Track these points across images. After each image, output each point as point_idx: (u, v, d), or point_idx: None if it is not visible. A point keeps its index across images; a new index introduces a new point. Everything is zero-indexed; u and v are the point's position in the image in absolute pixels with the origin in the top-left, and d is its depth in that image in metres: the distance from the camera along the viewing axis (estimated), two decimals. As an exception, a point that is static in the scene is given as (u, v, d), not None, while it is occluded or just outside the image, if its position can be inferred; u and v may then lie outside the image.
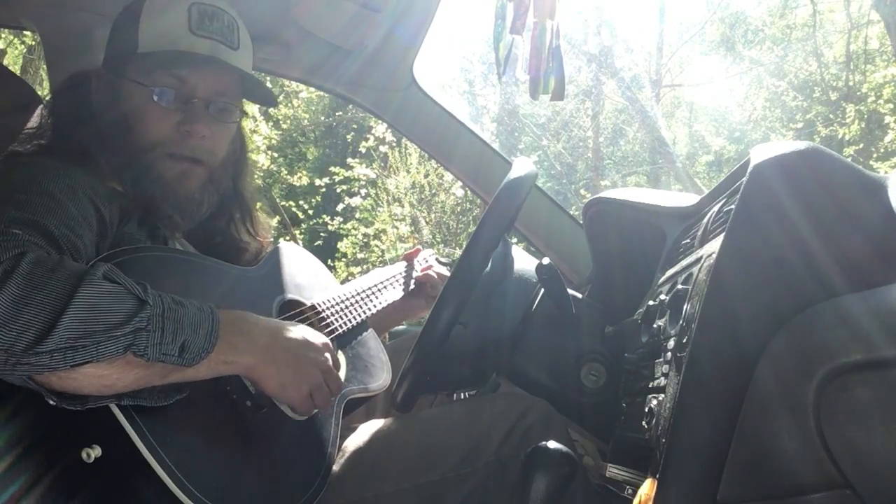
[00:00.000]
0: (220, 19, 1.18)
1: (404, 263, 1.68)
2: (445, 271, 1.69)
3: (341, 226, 9.20)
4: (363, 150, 8.74)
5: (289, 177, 11.28)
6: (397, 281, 1.62)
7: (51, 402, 0.86)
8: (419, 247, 1.75)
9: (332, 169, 9.05)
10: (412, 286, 1.64)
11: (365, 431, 1.25)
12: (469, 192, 7.84)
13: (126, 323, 0.84)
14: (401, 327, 2.06)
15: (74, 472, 0.90)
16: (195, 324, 0.91)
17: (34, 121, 1.28)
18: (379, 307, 1.50)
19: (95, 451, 0.88)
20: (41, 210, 0.94)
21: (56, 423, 0.91)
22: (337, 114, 11.66)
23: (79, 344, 0.81)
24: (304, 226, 10.74)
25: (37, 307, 0.80)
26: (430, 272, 1.65)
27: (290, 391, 1.04)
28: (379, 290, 1.53)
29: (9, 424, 0.90)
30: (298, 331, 1.08)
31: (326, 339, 1.12)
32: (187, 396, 0.96)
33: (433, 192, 8.50)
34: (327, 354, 1.10)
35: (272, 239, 1.42)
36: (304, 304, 1.30)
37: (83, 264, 0.90)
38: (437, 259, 1.74)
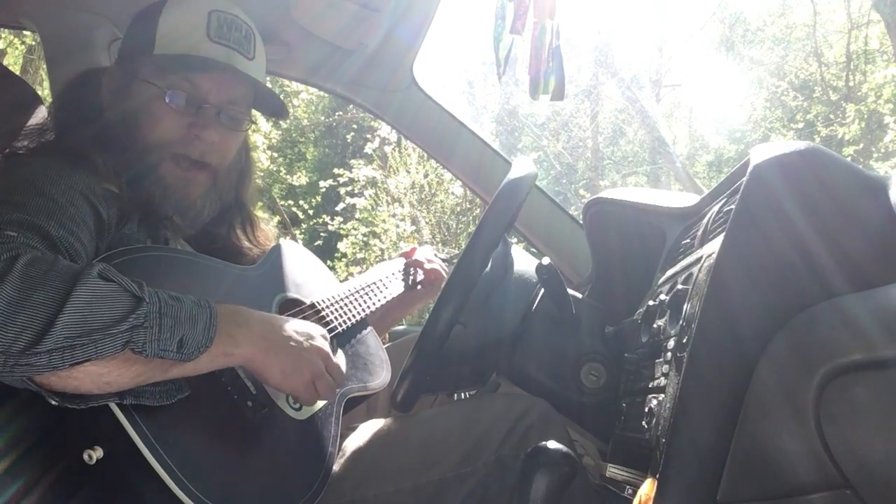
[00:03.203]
0: (237, 28, 1.19)
1: (402, 260, 1.68)
2: (444, 266, 1.70)
3: (341, 226, 9.20)
4: (369, 152, 8.74)
5: (288, 177, 11.29)
6: (396, 278, 1.62)
7: (53, 403, 0.85)
8: (415, 245, 1.75)
9: (336, 171, 9.06)
10: (410, 283, 1.65)
11: (365, 431, 1.25)
12: (469, 192, 7.84)
13: (123, 320, 0.84)
14: (401, 327, 2.06)
15: (76, 474, 0.90)
16: (192, 319, 0.91)
17: (39, 118, 1.28)
18: (378, 304, 1.50)
19: (97, 453, 0.88)
20: (38, 212, 0.94)
21: (57, 424, 0.91)
22: (337, 114, 11.67)
23: (77, 343, 0.81)
24: (304, 226, 10.75)
25: (33, 308, 0.80)
26: (427, 267, 1.66)
27: (292, 380, 1.02)
28: (378, 288, 1.53)
29: (10, 425, 0.90)
30: (295, 322, 1.08)
31: (324, 330, 1.12)
32: (188, 397, 0.96)
33: (433, 192, 8.50)
34: (326, 343, 1.09)
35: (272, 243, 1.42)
36: (303, 303, 1.30)
37: (80, 265, 0.90)
38: (434, 254, 1.75)
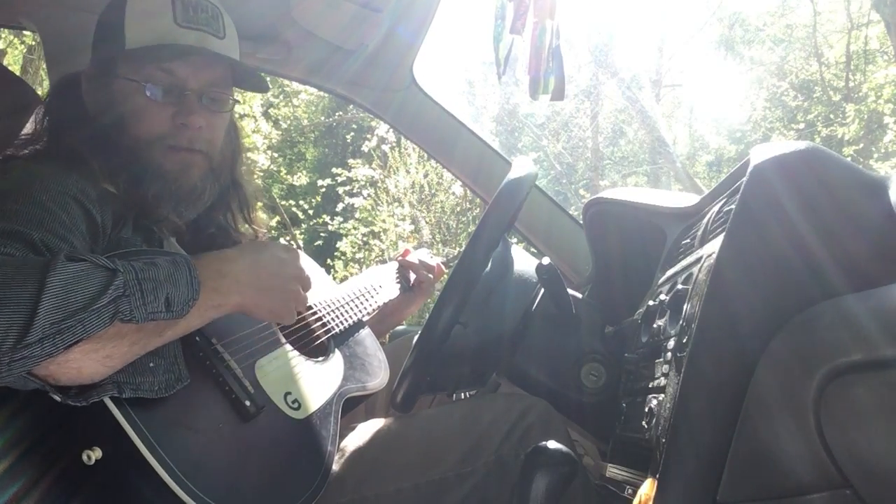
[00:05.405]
0: (204, 9, 1.18)
1: (395, 264, 1.69)
2: (440, 267, 1.71)
3: (341, 226, 9.20)
4: (366, 150, 8.75)
5: (288, 177, 11.29)
6: (391, 281, 1.63)
7: (56, 398, 0.86)
8: (408, 248, 1.76)
9: (334, 170, 9.06)
10: (405, 285, 1.66)
11: (365, 431, 1.25)
12: (469, 192, 7.84)
13: (102, 294, 0.85)
14: (401, 327, 2.07)
15: (75, 474, 0.90)
16: (172, 277, 0.91)
17: (30, 125, 1.28)
18: (374, 306, 1.51)
19: (96, 454, 0.88)
20: (27, 219, 0.94)
21: (56, 425, 0.91)
22: (337, 114, 11.66)
23: (64, 326, 0.82)
24: (304, 226, 10.75)
25: (12, 304, 0.80)
26: (421, 269, 1.67)
27: (279, 313, 1.08)
28: (375, 290, 1.55)
29: (9, 426, 0.90)
30: (272, 252, 1.09)
31: (295, 249, 1.14)
32: (186, 397, 0.96)
33: (433, 192, 8.50)
34: (299, 263, 1.13)
35: (266, 231, 1.42)
36: None
37: (50, 256, 0.89)
38: (430, 256, 1.76)
